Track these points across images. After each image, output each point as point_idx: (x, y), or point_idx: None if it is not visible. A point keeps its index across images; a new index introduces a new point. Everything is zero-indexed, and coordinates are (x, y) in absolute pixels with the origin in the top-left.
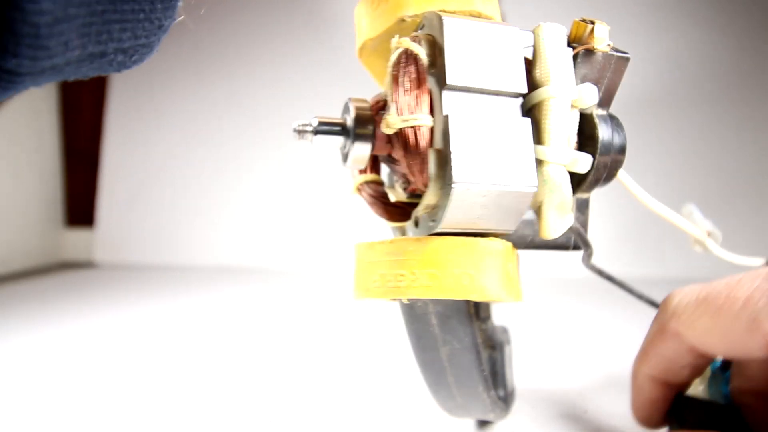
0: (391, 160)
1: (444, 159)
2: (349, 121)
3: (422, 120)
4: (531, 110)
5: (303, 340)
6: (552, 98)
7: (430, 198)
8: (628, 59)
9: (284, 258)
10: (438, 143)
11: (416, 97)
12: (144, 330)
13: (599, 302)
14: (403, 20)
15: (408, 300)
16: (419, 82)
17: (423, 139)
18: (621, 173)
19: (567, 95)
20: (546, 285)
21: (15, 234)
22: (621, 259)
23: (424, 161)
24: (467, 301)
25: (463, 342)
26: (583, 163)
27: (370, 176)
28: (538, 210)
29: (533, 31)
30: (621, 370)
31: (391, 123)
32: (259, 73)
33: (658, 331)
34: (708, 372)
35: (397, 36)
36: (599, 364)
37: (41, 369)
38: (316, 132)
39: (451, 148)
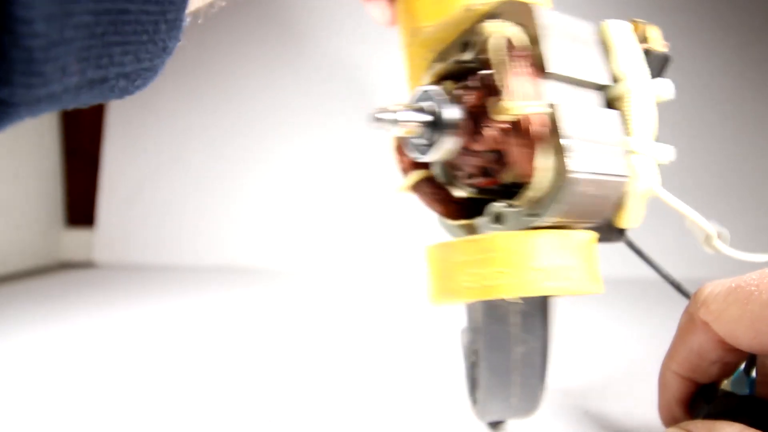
0: (467, 153)
1: (555, 148)
2: (443, 111)
3: (538, 107)
4: (611, 103)
5: (302, 340)
6: (637, 91)
7: (535, 189)
8: (670, 60)
9: (285, 258)
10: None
11: (529, 84)
12: (144, 330)
13: (600, 303)
14: (468, 9)
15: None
16: (529, 69)
17: (539, 127)
18: None
19: (649, 89)
20: None
21: (15, 234)
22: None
23: (534, 150)
24: (549, 297)
25: (541, 339)
26: (667, 153)
27: (425, 172)
28: (620, 200)
29: (600, 27)
30: (621, 370)
31: (509, 109)
32: (259, 72)
33: (687, 322)
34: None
35: (488, 22)
36: (599, 364)
37: (41, 369)
38: (400, 122)
39: (566, 138)
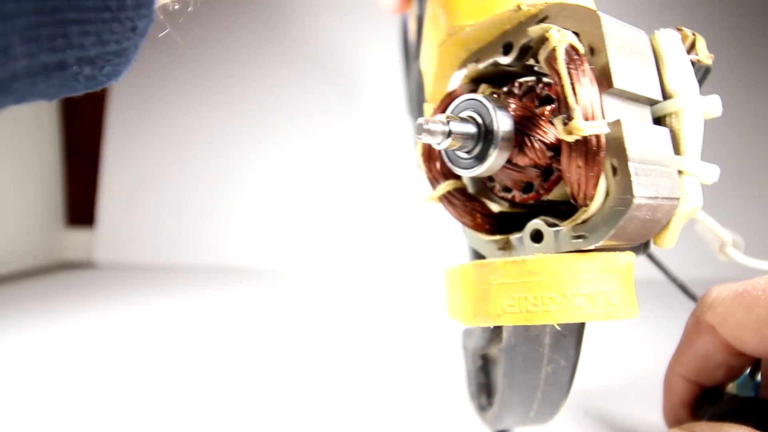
0: (510, 166)
1: (621, 172)
2: (499, 123)
3: (605, 126)
4: (660, 119)
5: (302, 340)
6: (689, 108)
7: (589, 213)
8: (710, 72)
9: (284, 259)
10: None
11: (598, 101)
12: (144, 330)
13: None
14: (519, 8)
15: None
16: (595, 83)
17: (604, 147)
18: None
19: (700, 106)
20: None
21: (15, 234)
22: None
23: (595, 172)
24: None
25: (571, 359)
26: (713, 174)
27: (455, 182)
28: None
29: (651, 37)
30: (625, 372)
31: (577, 129)
32: (260, 73)
33: (693, 325)
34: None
35: (554, 27)
36: (603, 365)
37: (42, 368)
38: (453, 133)
39: (629, 159)
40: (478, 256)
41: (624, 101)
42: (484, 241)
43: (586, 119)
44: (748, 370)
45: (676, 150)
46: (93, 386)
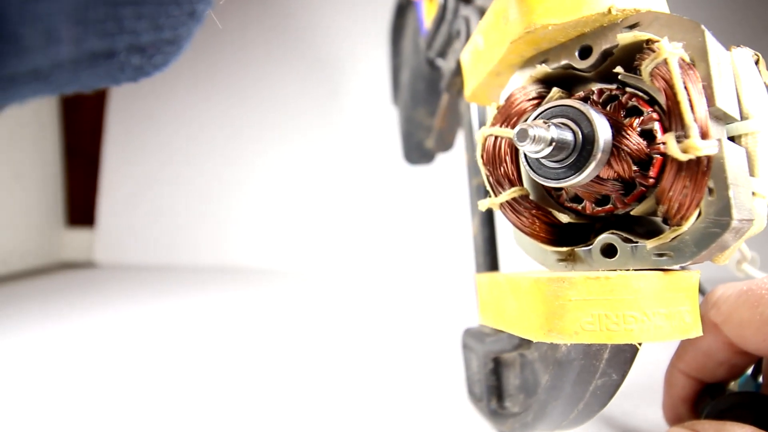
0: (594, 178)
1: (717, 192)
2: (602, 134)
3: (716, 147)
4: (734, 138)
5: (301, 340)
6: (765, 130)
7: (681, 230)
8: None
9: (284, 259)
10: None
11: (709, 120)
12: (144, 328)
13: None
14: (609, 11)
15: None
16: (706, 101)
17: (710, 167)
18: None
19: None
20: None
21: (15, 234)
22: None
23: (700, 193)
24: None
25: (623, 373)
26: None
27: (521, 189)
28: None
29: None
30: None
31: (695, 148)
32: (261, 74)
33: None
34: (738, 380)
35: (662, 38)
36: None
37: (43, 367)
38: (555, 140)
39: (730, 181)
40: (488, 266)
41: (717, 120)
42: (545, 251)
43: (702, 138)
44: (750, 370)
45: (751, 171)
46: (94, 384)
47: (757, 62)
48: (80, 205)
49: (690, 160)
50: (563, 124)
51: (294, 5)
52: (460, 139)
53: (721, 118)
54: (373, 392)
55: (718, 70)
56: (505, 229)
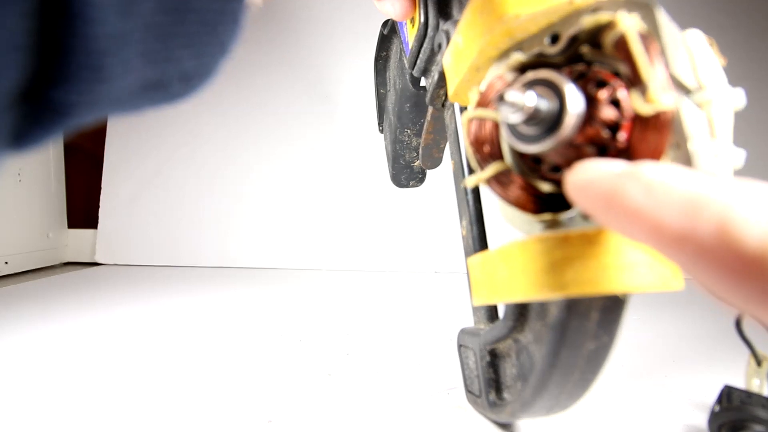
0: (568, 144)
1: (681, 146)
2: (569, 99)
3: (673, 100)
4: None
5: (302, 339)
6: (718, 98)
7: None
8: None
9: (284, 259)
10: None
11: (669, 77)
12: (145, 327)
13: None
14: (572, 1)
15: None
16: (665, 65)
17: (672, 122)
18: None
19: (728, 96)
20: None
21: (17, 236)
22: None
23: (664, 145)
24: (628, 293)
25: (613, 334)
26: (741, 158)
27: (503, 164)
28: None
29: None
30: (620, 370)
31: (656, 100)
32: (261, 74)
33: None
34: (765, 368)
35: (621, 10)
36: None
37: (47, 365)
38: (527, 106)
39: (690, 136)
40: (478, 248)
41: (676, 87)
42: (531, 220)
43: (662, 93)
44: None
45: (710, 134)
46: (98, 381)
47: (711, 45)
48: (82, 207)
49: (653, 117)
50: (539, 94)
51: (293, 9)
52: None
53: (678, 86)
54: (374, 391)
55: (672, 43)
56: (494, 228)
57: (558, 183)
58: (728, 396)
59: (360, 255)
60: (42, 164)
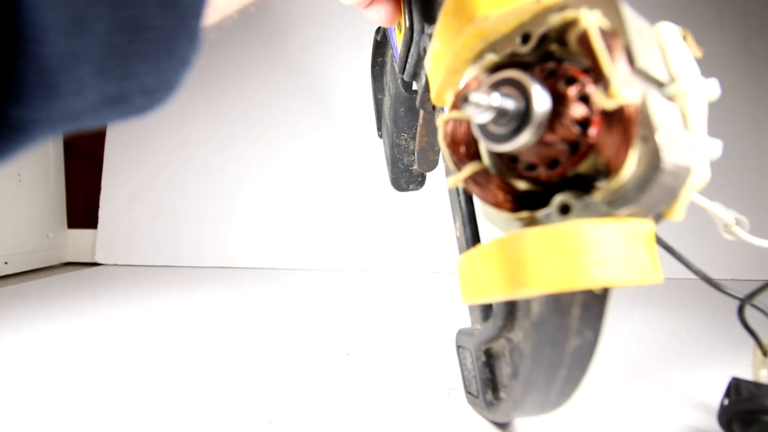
0: (537, 143)
1: (649, 140)
2: (535, 98)
3: (637, 94)
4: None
5: (302, 339)
6: (693, 90)
7: (620, 179)
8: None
9: (285, 259)
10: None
11: (631, 73)
12: (145, 326)
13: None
14: (539, 1)
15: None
16: (627, 60)
17: (637, 116)
18: None
19: (701, 87)
20: None
21: (17, 236)
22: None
23: (629, 139)
24: (610, 288)
25: (596, 331)
26: (717, 148)
27: (479, 164)
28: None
29: (654, 28)
30: (620, 369)
31: (617, 94)
32: (260, 75)
33: None
34: None
35: (584, 7)
36: (598, 364)
37: (44, 367)
38: (494, 107)
39: (658, 128)
40: (472, 248)
41: (643, 80)
42: (509, 219)
43: (624, 88)
44: None
45: (684, 126)
46: (98, 381)
47: (685, 38)
48: (82, 207)
49: (618, 111)
50: (506, 94)
51: (293, 10)
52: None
53: (648, 79)
54: (374, 391)
55: (639, 37)
56: (489, 229)
57: (536, 181)
58: (737, 388)
59: (360, 255)
60: (42, 164)
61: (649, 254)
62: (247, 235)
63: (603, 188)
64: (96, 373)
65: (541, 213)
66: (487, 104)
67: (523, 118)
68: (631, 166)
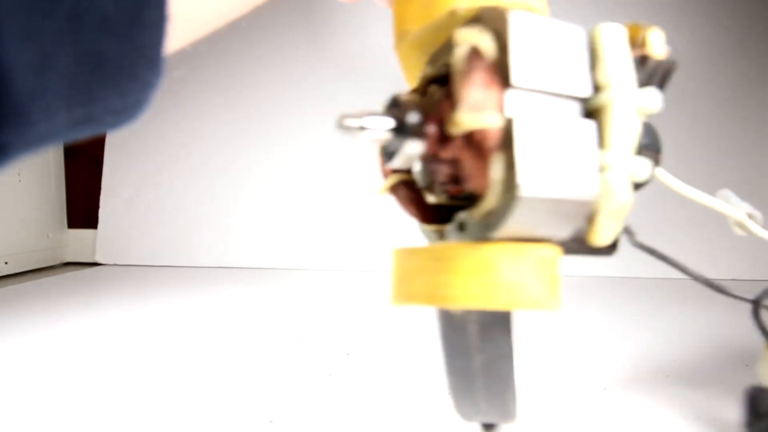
0: (436, 160)
1: (509, 163)
2: (406, 117)
3: (493, 120)
4: (593, 114)
5: (302, 339)
6: (619, 102)
7: (488, 203)
8: (676, 66)
9: (286, 258)
10: (502, 146)
11: (486, 96)
12: (146, 326)
13: (598, 302)
14: (454, 12)
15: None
16: (489, 80)
17: (492, 141)
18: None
19: (631, 100)
20: None
21: (17, 236)
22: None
23: (487, 164)
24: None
25: (502, 349)
26: (644, 169)
27: (403, 176)
28: (591, 216)
29: (591, 32)
30: (621, 370)
31: (461, 122)
32: (261, 73)
33: None
34: None
35: (461, 29)
36: (599, 364)
37: (44, 366)
38: (365, 129)
39: (516, 153)
40: None
41: (543, 97)
42: (427, 230)
43: (469, 113)
44: None
45: (602, 144)
46: (98, 381)
47: (643, 39)
48: (82, 207)
49: (469, 135)
50: (391, 115)
51: (293, 11)
52: None
53: (559, 96)
54: (374, 391)
55: (524, 52)
56: None
57: (452, 196)
58: (758, 399)
59: (360, 255)
60: (42, 164)
61: (537, 280)
62: (247, 235)
63: (475, 209)
64: (96, 372)
65: (448, 227)
66: (357, 126)
67: (402, 135)
68: (494, 190)
